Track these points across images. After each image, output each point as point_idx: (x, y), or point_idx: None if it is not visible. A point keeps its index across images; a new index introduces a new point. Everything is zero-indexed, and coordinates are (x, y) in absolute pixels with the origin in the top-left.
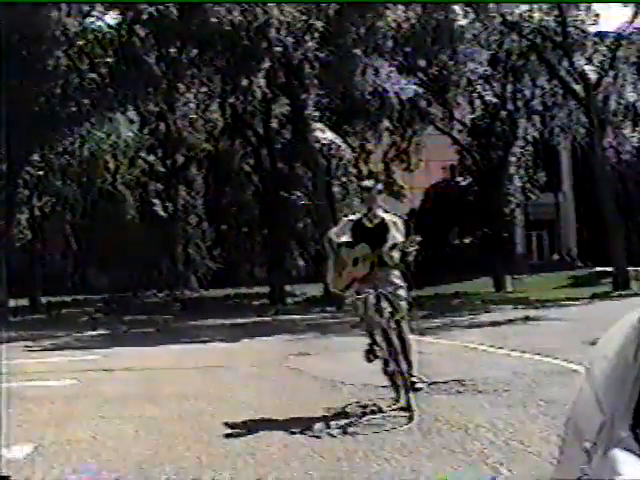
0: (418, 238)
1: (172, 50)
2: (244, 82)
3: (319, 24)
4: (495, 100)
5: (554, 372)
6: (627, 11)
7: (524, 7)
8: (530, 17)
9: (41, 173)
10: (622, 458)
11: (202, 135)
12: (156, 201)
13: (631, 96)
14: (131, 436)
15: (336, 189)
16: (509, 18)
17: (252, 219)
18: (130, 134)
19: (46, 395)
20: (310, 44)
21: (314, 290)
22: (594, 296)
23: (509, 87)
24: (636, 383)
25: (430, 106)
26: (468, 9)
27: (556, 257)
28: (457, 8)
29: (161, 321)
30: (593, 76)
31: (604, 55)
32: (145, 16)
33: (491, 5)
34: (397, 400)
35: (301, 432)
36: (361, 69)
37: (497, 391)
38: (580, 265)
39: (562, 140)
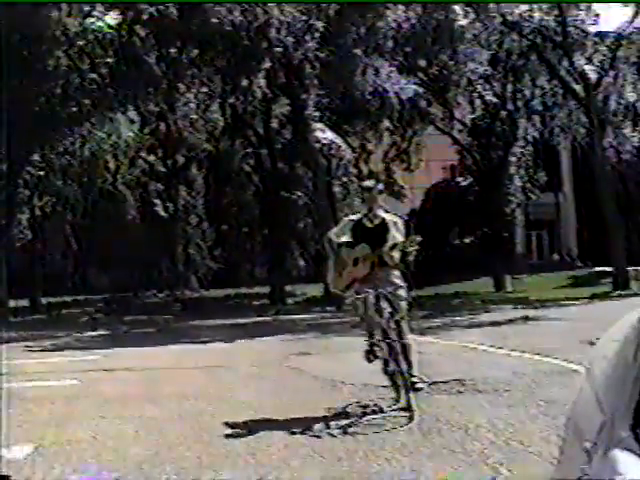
0: (418, 238)
1: (172, 50)
2: (244, 82)
3: (319, 24)
4: (495, 100)
5: (554, 372)
6: (627, 11)
7: (524, 7)
8: (530, 17)
9: (42, 173)
10: (622, 458)
11: (202, 135)
12: (157, 201)
13: (631, 96)
14: (131, 436)
15: (336, 189)
16: (509, 18)
17: (252, 219)
18: (130, 134)
19: (46, 395)
20: (310, 44)
21: (314, 290)
22: (594, 296)
23: (509, 87)
24: (636, 383)
25: (430, 106)
26: (468, 9)
27: (556, 257)
28: (457, 8)
29: (161, 321)
30: (593, 76)
31: (604, 55)
32: (145, 16)
33: (491, 5)
34: (397, 400)
35: (301, 432)
36: (361, 69)
37: (497, 391)
38: (580, 265)
39: (562, 140)
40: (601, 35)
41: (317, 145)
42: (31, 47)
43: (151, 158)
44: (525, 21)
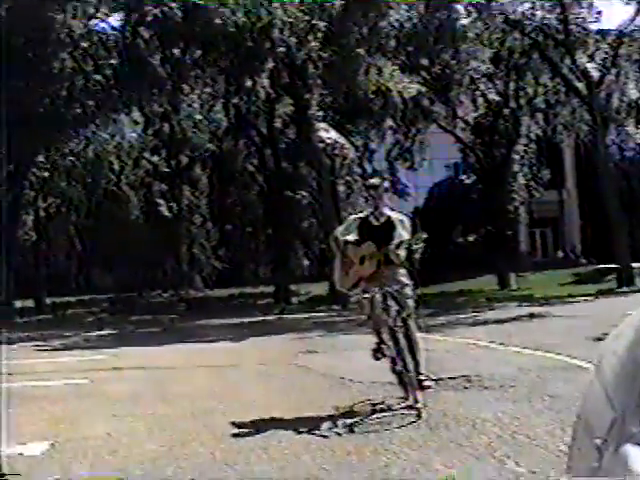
0: (424, 235)
1: (176, 51)
2: (248, 82)
3: (322, 24)
4: (498, 98)
5: (558, 368)
6: (629, 8)
7: (526, 5)
8: (532, 15)
9: (46, 174)
10: (634, 454)
11: (206, 135)
12: (160, 201)
13: (633, 93)
14: (145, 433)
15: (340, 188)
16: (511, 16)
17: (256, 219)
18: (134, 135)
19: (58, 394)
20: (313, 44)
21: (319, 289)
22: (598, 293)
23: (512, 85)
24: None
25: (433, 105)
26: (470, 8)
27: (560, 254)
28: (459, 7)
29: (167, 321)
30: (595, 74)
31: (606, 53)
32: (149, 18)
33: (493, 3)
34: (405, 398)
35: (311, 429)
36: (364, 68)
37: (503, 387)
38: (584, 262)
39: (565, 138)
40: (603, 33)
41: (321, 144)
42: (36, 49)
43: (155, 158)
44: (527, 19)
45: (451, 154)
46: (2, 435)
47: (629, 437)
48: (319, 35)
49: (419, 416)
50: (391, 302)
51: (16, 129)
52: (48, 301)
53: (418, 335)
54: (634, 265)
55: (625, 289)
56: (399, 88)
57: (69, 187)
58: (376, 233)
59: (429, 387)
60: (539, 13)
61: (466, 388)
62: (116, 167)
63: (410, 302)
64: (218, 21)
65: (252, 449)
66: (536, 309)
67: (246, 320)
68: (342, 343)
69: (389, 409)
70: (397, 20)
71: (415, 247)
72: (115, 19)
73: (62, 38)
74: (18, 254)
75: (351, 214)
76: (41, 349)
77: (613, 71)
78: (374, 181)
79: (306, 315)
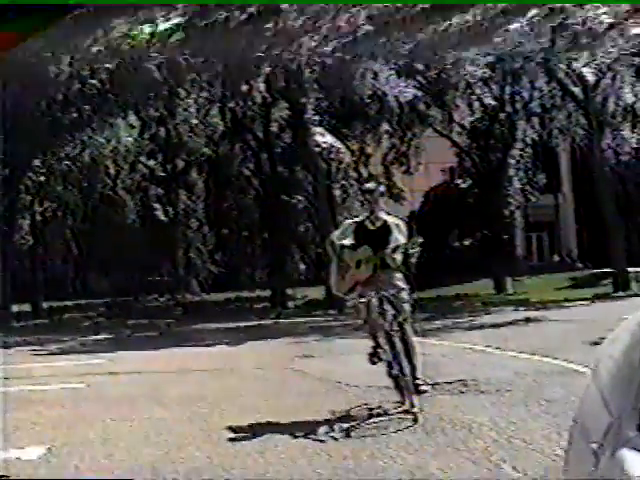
0: (420, 240)
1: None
2: (244, 87)
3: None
4: (494, 102)
5: (555, 372)
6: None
7: None
8: None
9: (42, 179)
10: (630, 458)
11: (202, 140)
12: (157, 205)
13: (629, 98)
14: (142, 437)
15: (336, 192)
16: None
17: (253, 223)
18: (130, 139)
19: (55, 398)
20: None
21: (315, 293)
22: (595, 297)
23: (508, 89)
24: None
25: (429, 109)
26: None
27: (556, 258)
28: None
29: (163, 325)
30: (591, 78)
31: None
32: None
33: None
34: (402, 402)
35: (307, 434)
36: (360, 73)
37: (499, 391)
38: (580, 266)
39: (561, 142)
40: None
41: (317, 149)
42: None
43: (151, 163)
44: None
45: (447, 158)
46: None
47: (625, 441)
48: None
49: (415, 420)
50: (387, 306)
51: (12, 133)
52: (45, 305)
53: (414, 339)
54: (630, 269)
55: (621, 293)
56: (395, 92)
57: (65, 191)
58: (372, 237)
59: (425, 391)
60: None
61: (462, 392)
62: (112, 171)
63: (406, 306)
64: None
65: (249, 453)
66: (532, 313)
67: (242, 324)
68: (338, 347)
69: (385, 413)
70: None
71: (411, 251)
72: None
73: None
74: (14, 258)
75: (347, 218)
76: (38, 353)
77: (609, 75)
78: (370, 185)
79: (302, 319)
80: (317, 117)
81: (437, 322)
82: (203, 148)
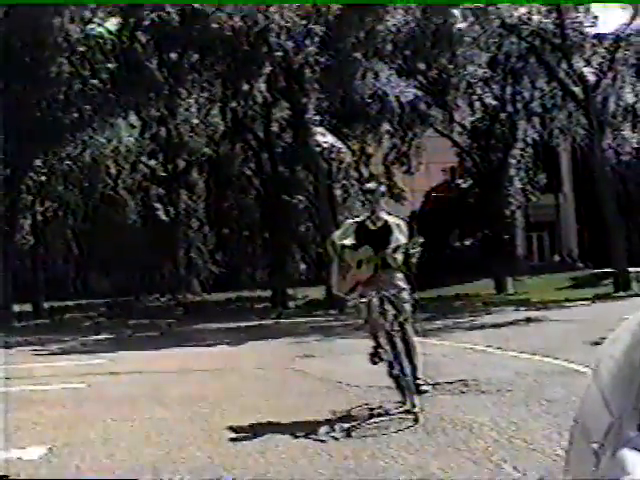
0: (421, 240)
1: (173, 55)
2: (245, 87)
3: (319, 29)
4: (495, 102)
5: (555, 372)
6: (625, 13)
7: (523, 10)
8: (529, 19)
9: (43, 179)
10: (631, 458)
11: (203, 139)
12: (158, 205)
13: (630, 97)
14: (143, 437)
15: (337, 192)
16: (508, 21)
17: (253, 223)
18: (131, 139)
19: (56, 398)
20: (310, 48)
21: (316, 293)
22: (595, 297)
23: (508, 89)
24: None
25: (430, 109)
26: (467, 12)
27: (557, 258)
28: (456, 11)
29: (164, 325)
30: (592, 78)
31: (603, 57)
32: (146, 22)
33: (490, 8)
34: (403, 402)
35: (308, 434)
36: (361, 73)
37: (500, 391)
38: (581, 266)
39: (562, 142)
40: (599, 37)
41: (317, 149)
42: (33, 53)
43: (152, 163)
44: (524, 24)
45: (448, 158)
46: (0, 439)
47: (626, 441)
48: (316, 39)
49: (416, 420)
50: (388, 306)
51: (13, 133)
52: (46, 305)
53: (415, 339)
54: (631, 269)
55: (622, 293)
56: (396, 92)
57: (66, 191)
58: (373, 237)
59: (426, 391)
60: (536, 17)
61: (463, 392)
62: (113, 171)
63: (407, 306)
64: (215, 25)
65: (249, 453)
66: (533, 313)
67: (243, 324)
68: (339, 347)
69: (386, 413)
70: (394, 25)
71: (412, 251)
72: (112, 23)
73: (59, 42)
74: (16, 258)
75: (348, 218)
76: (39, 353)
77: (609, 75)
78: (371, 185)
79: (303, 319)
80: (318, 117)
81: (438, 322)
82: (204, 148)
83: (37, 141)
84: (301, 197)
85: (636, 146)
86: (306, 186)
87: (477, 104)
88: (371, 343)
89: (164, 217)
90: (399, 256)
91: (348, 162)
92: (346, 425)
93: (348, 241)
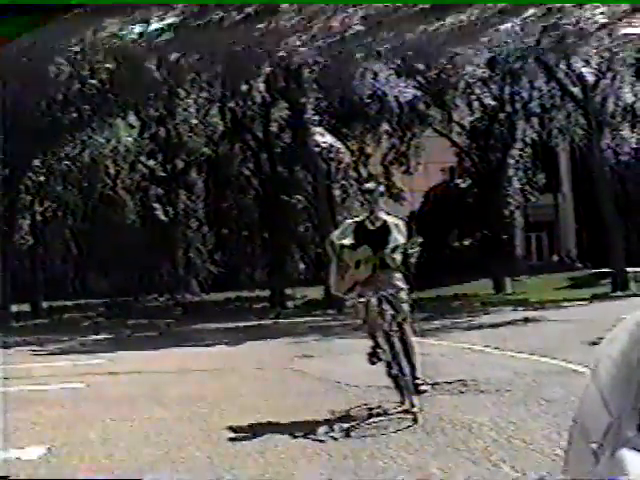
0: (420, 240)
1: (172, 55)
2: (244, 87)
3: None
4: (493, 102)
5: (554, 372)
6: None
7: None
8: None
9: (42, 179)
10: (630, 458)
11: (202, 139)
12: (156, 205)
13: (629, 97)
14: (142, 437)
15: (336, 192)
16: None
17: (252, 223)
18: (130, 139)
19: (54, 398)
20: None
21: (315, 293)
22: (593, 297)
23: (507, 89)
24: None
25: (429, 109)
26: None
27: (555, 258)
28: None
29: (163, 325)
30: (591, 78)
31: (602, 57)
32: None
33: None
34: (402, 402)
35: (307, 434)
36: (360, 73)
37: (499, 391)
38: (579, 266)
39: (561, 142)
40: (599, 37)
41: (316, 149)
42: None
43: (151, 163)
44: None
45: (447, 158)
46: None
47: (625, 441)
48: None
49: (415, 420)
50: (386, 306)
51: (12, 133)
52: (44, 305)
53: (413, 339)
54: (629, 269)
55: (620, 293)
56: (395, 92)
57: (65, 191)
58: (372, 237)
59: (425, 391)
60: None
61: (462, 392)
62: (112, 171)
63: (405, 306)
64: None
65: (249, 453)
66: (531, 313)
67: (242, 324)
68: (338, 347)
69: (385, 413)
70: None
71: (411, 251)
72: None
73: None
74: (14, 258)
75: (347, 218)
76: (37, 353)
77: (608, 75)
78: (370, 185)
79: (302, 319)
80: (317, 117)
81: (436, 322)
82: (203, 148)
83: (36, 141)
84: (300, 197)
85: (635, 146)
86: (305, 186)
87: (476, 104)
88: (369, 343)
89: (163, 217)
90: (398, 256)
91: (347, 162)
92: (345, 425)
93: (347, 241)
